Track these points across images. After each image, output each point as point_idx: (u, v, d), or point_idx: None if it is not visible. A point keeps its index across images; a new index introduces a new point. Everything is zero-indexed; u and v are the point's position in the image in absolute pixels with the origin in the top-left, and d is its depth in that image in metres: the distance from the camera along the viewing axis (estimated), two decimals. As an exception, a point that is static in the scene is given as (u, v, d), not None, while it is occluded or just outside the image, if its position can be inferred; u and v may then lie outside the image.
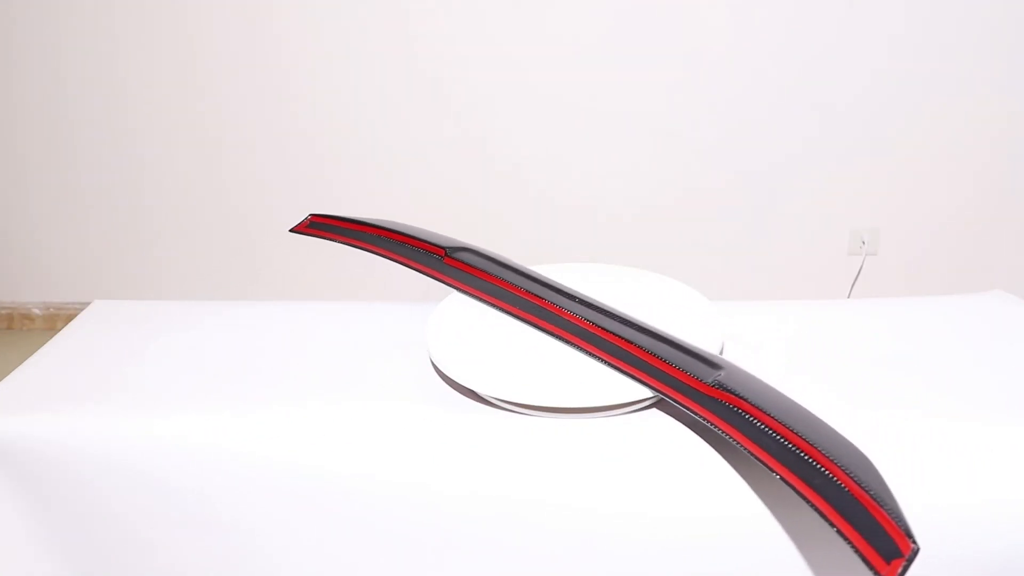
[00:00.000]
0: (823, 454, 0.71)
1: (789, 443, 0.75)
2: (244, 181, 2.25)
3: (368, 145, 2.19)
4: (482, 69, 2.11)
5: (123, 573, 0.97)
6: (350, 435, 0.93)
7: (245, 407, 0.97)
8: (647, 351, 0.93)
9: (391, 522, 0.91)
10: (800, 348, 1.08)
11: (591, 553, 0.88)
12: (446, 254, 1.14)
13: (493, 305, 1.07)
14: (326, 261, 2.32)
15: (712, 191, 2.20)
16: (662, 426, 0.92)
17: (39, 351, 1.13)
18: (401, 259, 1.15)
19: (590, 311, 1.02)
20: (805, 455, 0.73)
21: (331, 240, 1.20)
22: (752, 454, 0.75)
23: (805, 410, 0.81)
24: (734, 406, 0.82)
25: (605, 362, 0.94)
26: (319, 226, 1.21)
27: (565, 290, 1.06)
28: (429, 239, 1.16)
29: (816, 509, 0.68)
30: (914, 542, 0.64)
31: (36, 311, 2.44)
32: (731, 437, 0.78)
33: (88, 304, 1.72)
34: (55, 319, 2.44)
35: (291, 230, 1.21)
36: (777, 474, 0.72)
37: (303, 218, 1.22)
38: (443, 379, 1.02)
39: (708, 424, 0.81)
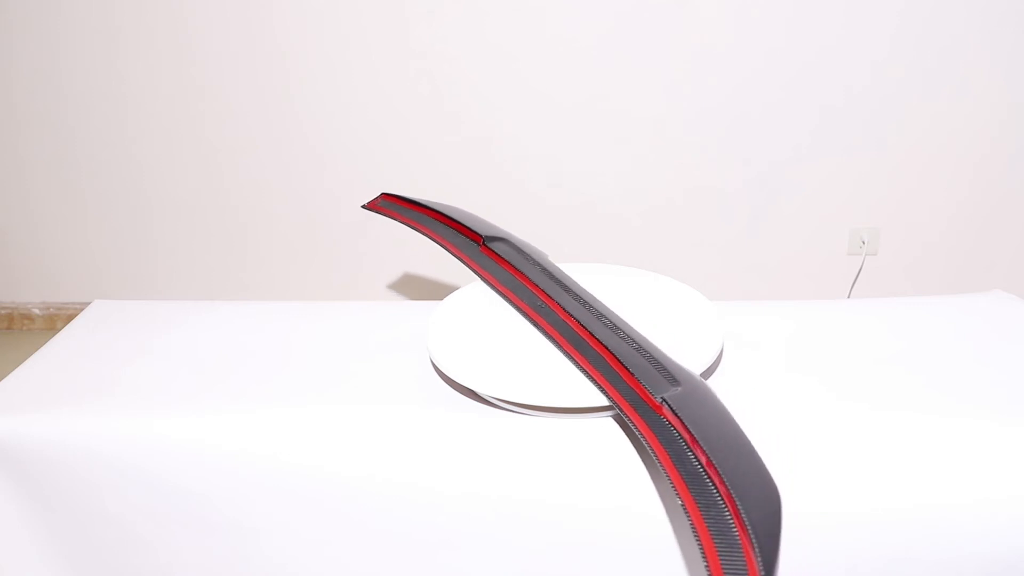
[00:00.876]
0: (732, 496, 0.71)
1: (708, 478, 0.74)
2: (244, 181, 2.25)
3: (368, 145, 2.19)
4: (482, 69, 2.11)
5: (123, 573, 0.97)
6: (350, 435, 0.93)
7: (245, 407, 0.97)
8: (617, 357, 0.92)
9: (391, 522, 0.91)
10: (800, 348, 1.08)
11: (591, 553, 0.88)
12: (483, 242, 1.15)
13: (507, 299, 1.07)
14: (326, 261, 2.32)
15: (712, 191, 2.20)
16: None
17: (39, 351, 1.13)
18: (445, 243, 1.17)
19: (585, 312, 1.02)
20: (717, 494, 0.72)
21: (394, 219, 1.25)
22: (668, 478, 0.76)
23: (745, 444, 0.78)
24: (673, 427, 0.81)
25: (577, 364, 0.94)
26: (387, 204, 1.28)
27: (572, 289, 1.06)
28: (471, 225, 1.18)
29: (699, 545, 0.69)
30: None
31: (36, 311, 2.44)
32: (656, 457, 0.78)
33: (88, 304, 1.73)
34: (55, 319, 2.44)
35: (363, 206, 1.29)
36: (682, 503, 0.72)
37: (376, 195, 1.30)
38: (443, 379, 1.02)
39: (642, 439, 0.81)
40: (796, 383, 0.99)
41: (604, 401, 0.89)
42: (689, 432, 0.78)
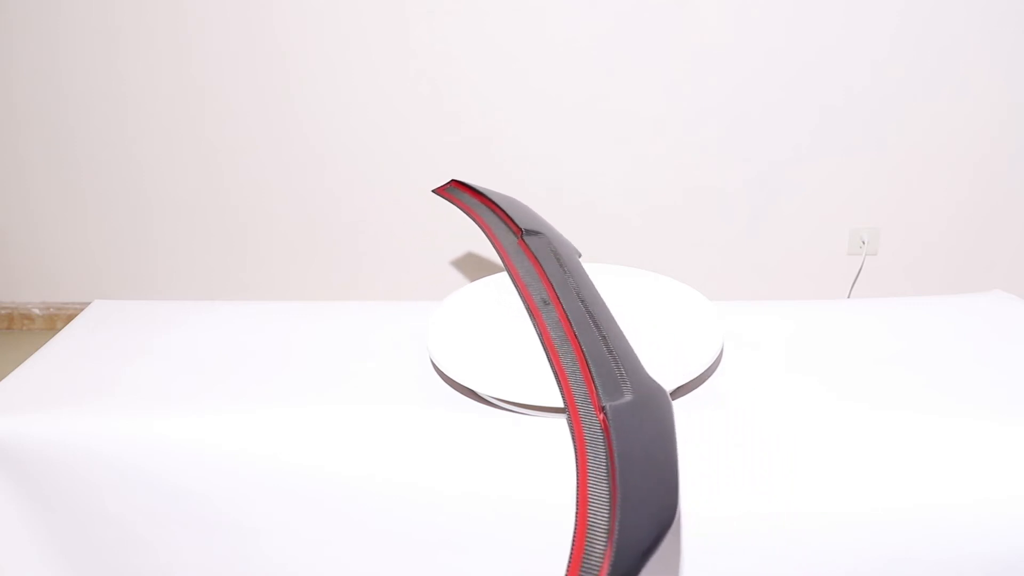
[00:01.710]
0: (617, 515, 0.72)
1: (608, 491, 0.75)
2: (244, 181, 2.25)
3: (368, 145, 2.19)
4: (482, 69, 2.11)
5: (123, 573, 0.97)
6: (350, 435, 0.93)
7: (245, 407, 0.97)
8: (587, 360, 0.92)
9: (391, 522, 0.91)
10: (800, 348, 1.08)
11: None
12: (522, 235, 1.18)
13: (520, 293, 1.07)
14: (326, 261, 2.32)
15: (712, 191, 2.20)
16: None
17: (39, 351, 1.13)
18: (489, 232, 1.20)
19: (581, 313, 1.01)
20: (607, 509, 0.74)
21: (454, 205, 1.30)
22: (577, 477, 0.78)
23: (665, 466, 0.78)
24: (603, 435, 0.81)
25: (551, 363, 0.94)
26: (452, 191, 1.34)
27: (579, 290, 1.06)
28: (515, 217, 1.22)
29: (572, 541, 0.72)
30: None
31: (36, 311, 2.44)
32: (576, 458, 0.80)
33: (88, 304, 1.72)
34: (55, 319, 2.44)
35: (433, 191, 1.35)
36: (576, 516, 0.75)
37: (446, 181, 1.37)
38: (443, 379, 1.02)
39: (572, 439, 0.83)
40: (796, 383, 0.99)
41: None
42: (611, 443, 0.79)
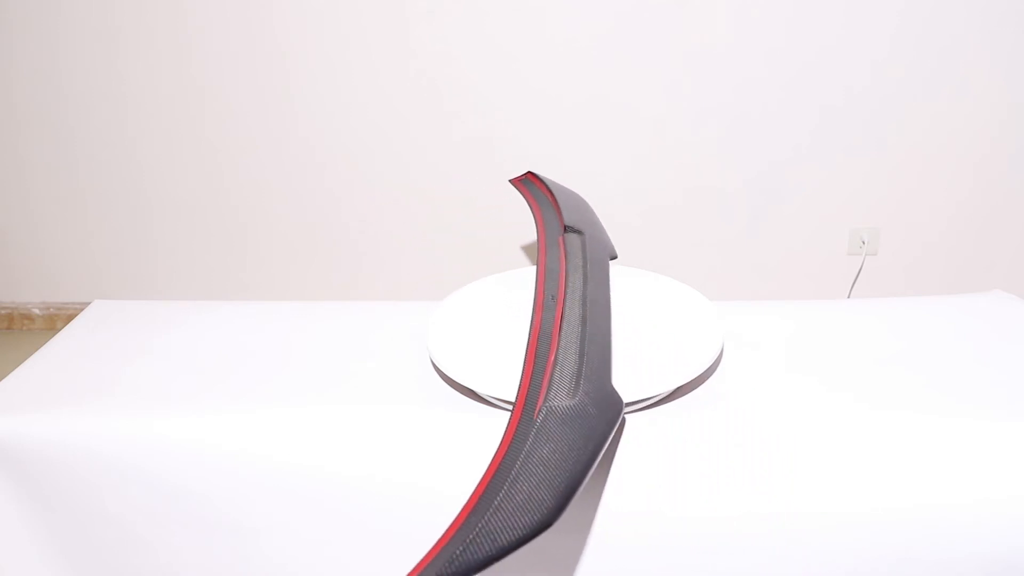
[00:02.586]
0: (488, 517, 0.72)
1: (498, 491, 0.75)
2: (244, 181, 2.25)
3: (368, 145, 2.19)
4: (482, 69, 2.11)
5: (123, 573, 0.97)
6: (350, 435, 0.93)
7: (245, 407, 0.97)
8: (555, 361, 0.91)
9: (391, 522, 0.91)
10: (800, 348, 1.08)
11: (591, 552, 0.88)
12: (565, 229, 1.18)
13: (535, 291, 1.07)
14: (326, 261, 2.32)
15: (712, 191, 2.20)
16: (662, 426, 0.92)
17: (39, 351, 1.13)
18: (540, 224, 1.22)
19: (577, 313, 1.00)
20: (488, 508, 0.73)
21: (524, 197, 1.33)
22: (486, 468, 0.78)
23: (569, 481, 0.76)
24: (529, 435, 0.81)
25: (524, 359, 0.94)
26: (525, 182, 1.37)
27: (586, 290, 1.06)
28: (565, 213, 1.22)
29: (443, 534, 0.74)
30: None
31: (36, 311, 2.44)
32: (496, 451, 0.80)
33: (88, 304, 1.72)
34: (55, 319, 2.44)
35: (510, 181, 1.38)
36: (472, 494, 0.76)
37: (522, 172, 1.42)
38: (443, 379, 1.02)
39: (503, 433, 0.82)
40: (796, 383, 0.99)
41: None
42: (527, 445, 0.79)
